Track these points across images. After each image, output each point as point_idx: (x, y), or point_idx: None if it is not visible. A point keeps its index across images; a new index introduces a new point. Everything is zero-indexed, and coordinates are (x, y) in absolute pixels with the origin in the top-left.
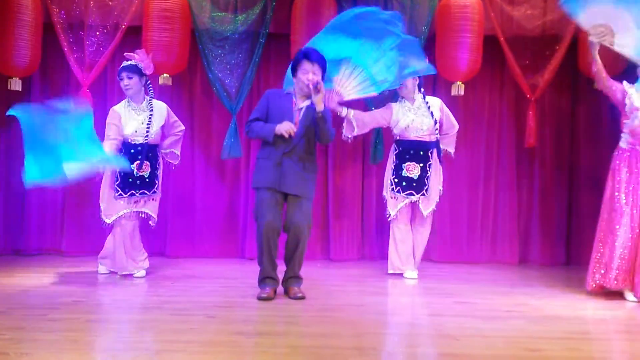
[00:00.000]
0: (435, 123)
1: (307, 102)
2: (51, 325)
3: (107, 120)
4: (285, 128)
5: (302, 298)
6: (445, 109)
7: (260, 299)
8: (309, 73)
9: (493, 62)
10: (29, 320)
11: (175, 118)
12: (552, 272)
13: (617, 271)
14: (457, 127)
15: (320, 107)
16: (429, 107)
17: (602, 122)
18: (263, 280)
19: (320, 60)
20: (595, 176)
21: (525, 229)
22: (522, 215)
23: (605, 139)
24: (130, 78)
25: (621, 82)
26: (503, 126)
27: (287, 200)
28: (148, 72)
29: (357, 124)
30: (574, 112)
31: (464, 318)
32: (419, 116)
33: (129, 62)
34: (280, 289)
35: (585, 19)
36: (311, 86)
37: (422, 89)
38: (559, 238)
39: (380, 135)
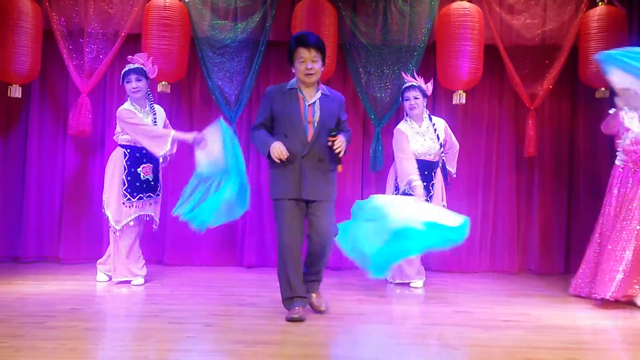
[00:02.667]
0: (441, 146)
1: (318, 95)
2: (49, 333)
3: (130, 119)
4: (276, 153)
5: (325, 310)
6: (448, 129)
7: (291, 320)
8: (306, 62)
9: (493, 71)
10: (27, 328)
11: (168, 122)
12: (551, 281)
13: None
14: (457, 146)
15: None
16: (435, 130)
17: (601, 131)
18: (291, 300)
19: (318, 44)
20: (594, 185)
21: (525, 239)
22: (521, 224)
23: (604, 148)
24: (139, 80)
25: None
26: (502, 135)
27: (309, 205)
28: (151, 76)
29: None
30: (573, 122)
31: (463, 327)
32: (427, 140)
33: (136, 65)
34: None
35: (616, 78)
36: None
37: (428, 111)
38: (558, 247)
39: (380, 143)
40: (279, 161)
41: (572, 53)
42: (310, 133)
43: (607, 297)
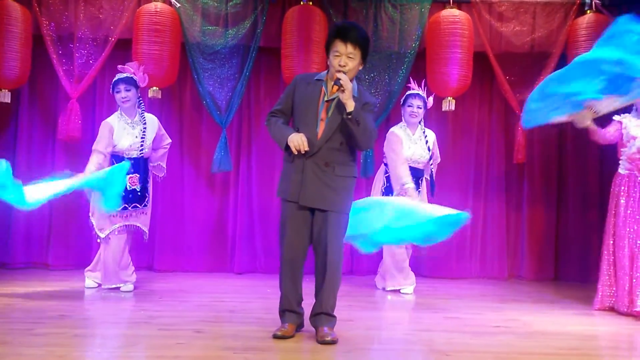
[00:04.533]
0: (431, 158)
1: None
2: (37, 340)
3: (99, 132)
4: (295, 143)
5: (332, 343)
6: (436, 143)
7: (274, 337)
8: (341, 57)
9: (482, 78)
10: (14, 334)
11: (164, 131)
12: (541, 287)
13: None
14: (439, 160)
15: (349, 107)
16: (427, 141)
17: (590, 138)
18: (282, 313)
19: (358, 39)
20: (583, 192)
21: (514, 245)
22: (510, 230)
23: (593, 155)
24: (128, 90)
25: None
26: (492, 142)
27: (314, 214)
28: (142, 85)
29: None
30: (562, 128)
31: (454, 333)
32: (419, 148)
33: (125, 75)
34: (307, 324)
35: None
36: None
37: (422, 121)
38: (548, 254)
39: (371, 149)
40: (296, 152)
41: (560, 60)
42: (321, 131)
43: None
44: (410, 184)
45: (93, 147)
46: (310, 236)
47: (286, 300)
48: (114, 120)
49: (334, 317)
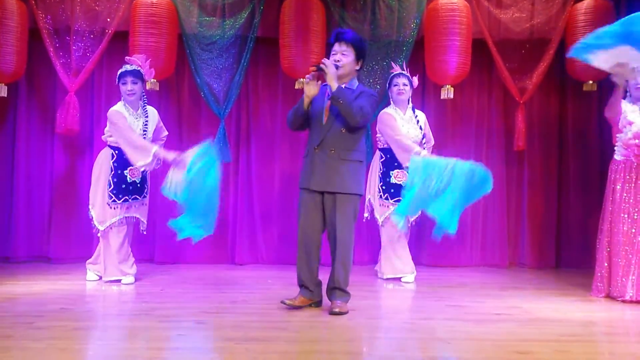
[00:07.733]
0: (423, 137)
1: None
2: (39, 333)
3: (118, 122)
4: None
5: (340, 314)
6: (427, 123)
7: (281, 302)
8: (336, 54)
9: (481, 66)
10: (16, 328)
11: (162, 123)
12: (542, 275)
13: (621, 280)
14: (433, 141)
15: (333, 87)
16: (417, 121)
17: (590, 124)
18: (299, 286)
19: (348, 38)
20: (584, 178)
21: (515, 232)
22: (511, 218)
23: (593, 141)
24: (135, 83)
25: (611, 83)
26: (492, 129)
27: (323, 196)
28: (148, 78)
29: None
30: (562, 115)
31: (455, 321)
32: (412, 128)
33: (133, 67)
34: (325, 302)
35: (600, 62)
36: (314, 69)
37: (412, 104)
38: (549, 241)
39: (370, 138)
40: (318, 71)
41: (560, 46)
42: (324, 121)
43: (628, 298)
44: (424, 151)
45: (127, 136)
46: (323, 220)
47: (299, 277)
48: (122, 109)
49: (347, 292)
